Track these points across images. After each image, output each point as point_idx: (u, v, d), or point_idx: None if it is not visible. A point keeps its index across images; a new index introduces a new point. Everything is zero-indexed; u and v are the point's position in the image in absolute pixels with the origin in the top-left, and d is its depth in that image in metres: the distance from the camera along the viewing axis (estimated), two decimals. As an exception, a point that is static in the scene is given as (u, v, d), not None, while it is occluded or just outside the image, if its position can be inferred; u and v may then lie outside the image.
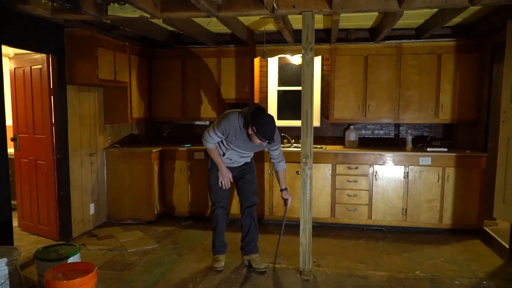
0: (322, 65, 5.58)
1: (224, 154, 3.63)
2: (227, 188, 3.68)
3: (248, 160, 3.81)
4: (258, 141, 3.34)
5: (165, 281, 3.52)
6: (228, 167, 3.69)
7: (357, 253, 4.18)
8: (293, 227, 3.77)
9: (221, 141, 3.59)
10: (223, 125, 3.44)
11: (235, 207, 5.09)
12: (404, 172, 4.76)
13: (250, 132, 3.35)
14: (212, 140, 3.54)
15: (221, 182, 3.65)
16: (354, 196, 4.87)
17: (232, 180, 3.71)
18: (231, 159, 3.68)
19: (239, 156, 3.66)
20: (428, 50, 4.92)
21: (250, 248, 3.80)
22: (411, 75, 4.97)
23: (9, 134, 4.18)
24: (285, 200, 3.87)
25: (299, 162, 3.62)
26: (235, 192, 3.93)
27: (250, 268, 3.76)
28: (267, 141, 3.32)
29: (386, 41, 5.02)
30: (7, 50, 4.30)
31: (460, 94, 4.89)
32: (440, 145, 5.09)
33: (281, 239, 3.91)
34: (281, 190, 3.85)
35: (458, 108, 4.91)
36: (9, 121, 4.25)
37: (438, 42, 4.91)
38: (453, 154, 4.68)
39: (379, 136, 5.53)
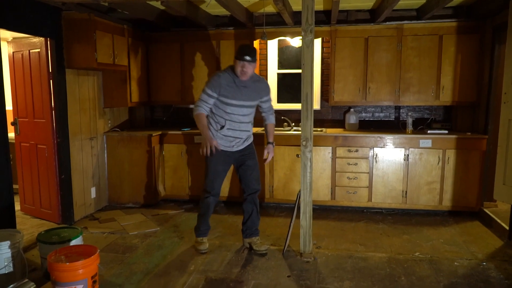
0: (322, 47, 5.53)
1: (223, 126, 3.56)
2: (209, 154, 3.49)
3: (249, 131, 3.71)
4: (239, 68, 3.41)
5: (166, 263, 3.56)
6: (229, 152, 3.65)
7: (357, 235, 4.22)
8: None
9: (218, 108, 3.54)
10: (212, 80, 3.50)
11: (234, 190, 5.12)
12: (404, 155, 4.77)
13: (235, 66, 3.44)
14: (203, 104, 3.52)
15: (204, 149, 3.46)
16: (354, 179, 4.89)
17: (218, 148, 3.54)
18: (233, 129, 3.57)
19: (239, 123, 3.58)
20: (429, 31, 4.87)
21: (251, 231, 3.83)
22: (411, 57, 4.93)
23: (9, 118, 4.17)
24: (267, 153, 3.76)
25: (299, 145, 3.62)
26: (237, 176, 3.89)
27: (251, 250, 3.80)
28: (244, 59, 3.38)
29: (387, 23, 4.97)
30: (5, 34, 4.27)
31: (461, 76, 4.86)
32: (440, 127, 5.09)
33: (292, 223, 3.82)
34: (268, 143, 3.79)
35: (458, 90, 4.89)
36: (9, 106, 4.24)
37: (439, 23, 4.86)
38: (454, 136, 4.68)
39: (379, 119, 5.52)
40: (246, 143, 3.74)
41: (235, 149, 3.68)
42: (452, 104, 4.96)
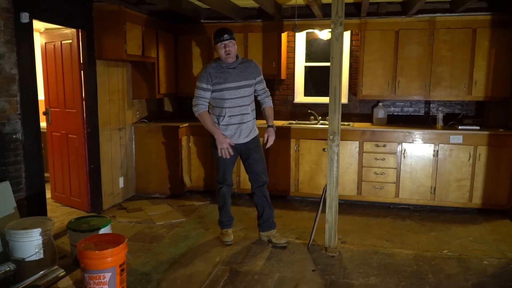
0: (351, 40, 5.44)
1: (224, 116, 3.56)
2: (228, 157, 3.57)
3: (251, 118, 3.68)
4: (223, 50, 3.46)
5: (191, 253, 3.60)
6: (235, 144, 3.63)
7: (383, 231, 4.16)
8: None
9: (215, 99, 3.57)
10: (201, 74, 3.58)
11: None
12: (434, 151, 4.66)
13: (217, 51, 3.52)
14: (200, 101, 3.56)
15: (221, 151, 3.54)
16: (381, 174, 4.81)
17: (233, 144, 3.58)
18: (234, 116, 3.56)
19: (239, 107, 3.57)
20: (462, 24, 4.73)
21: (268, 224, 3.83)
22: (443, 51, 4.80)
23: (41, 108, 4.27)
24: (267, 138, 3.72)
25: (326, 139, 3.58)
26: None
27: (270, 244, 3.80)
28: (224, 39, 3.44)
29: (419, 15, 4.84)
30: (38, 25, 4.36)
31: (495, 70, 4.70)
32: (472, 123, 4.94)
33: (317, 218, 3.79)
34: (268, 126, 3.74)
35: (492, 85, 4.73)
36: (41, 96, 4.34)
37: (473, 16, 4.71)
38: (486, 132, 4.54)
39: (408, 114, 5.41)
40: (252, 136, 3.70)
41: (240, 140, 3.65)
42: (484, 99, 4.82)
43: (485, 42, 4.69)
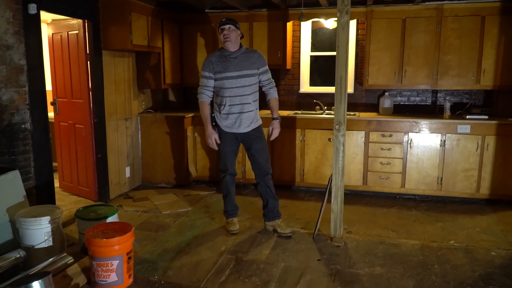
0: (357, 29, 5.40)
1: (225, 105, 3.59)
2: (216, 147, 3.67)
3: (253, 108, 3.66)
4: (221, 36, 3.54)
5: (197, 242, 3.63)
6: (235, 133, 3.66)
7: (389, 221, 4.16)
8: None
9: (217, 88, 3.62)
10: (204, 63, 3.66)
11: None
12: (441, 140, 4.63)
13: (219, 39, 3.60)
14: (204, 89, 3.64)
15: (209, 143, 3.66)
16: (387, 164, 4.80)
17: (218, 141, 3.66)
18: (234, 105, 3.58)
19: (240, 97, 3.58)
20: (470, 11, 4.66)
21: (273, 214, 3.84)
22: (451, 39, 4.74)
23: (49, 98, 4.30)
24: (272, 130, 3.75)
25: (331, 129, 3.57)
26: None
27: (275, 233, 3.82)
28: (222, 23, 3.54)
29: (426, 3, 4.78)
30: (45, 16, 4.37)
31: (504, 59, 4.64)
32: (480, 113, 4.90)
33: (323, 207, 3.80)
34: (273, 119, 3.75)
35: (501, 74, 4.68)
36: (48, 86, 4.38)
37: (481, 3, 4.63)
38: (494, 122, 4.50)
39: (415, 103, 5.37)
40: (253, 125, 3.69)
41: (241, 130, 3.65)
42: (493, 88, 4.76)
43: (494, 29, 4.63)
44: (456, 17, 4.70)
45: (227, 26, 3.53)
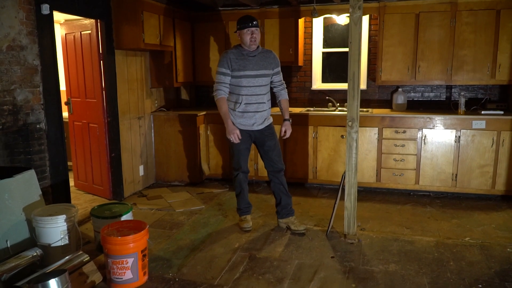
0: (370, 25, 5.35)
1: (241, 103, 3.59)
2: (238, 141, 3.61)
3: (267, 108, 3.70)
4: (249, 36, 3.48)
5: (211, 240, 3.65)
6: (249, 131, 3.66)
7: (403, 218, 4.13)
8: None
9: (232, 86, 3.59)
10: (221, 58, 3.59)
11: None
12: (456, 136, 4.58)
13: (242, 37, 3.53)
14: (221, 86, 3.58)
15: (231, 139, 3.61)
16: (401, 160, 4.76)
17: (240, 137, 3.61)
18: (250, 104, 3.59)
19: (256, 96, 3.59)
20: (485, 5, 4.58)
21: (287, 211, 3.84)
22: (466, 33, 4.67)
23: (63, 98, 4.35)
24: (284, 132, 3.77)
25: (344, 126, 3.56)
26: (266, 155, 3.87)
27: (288, 231, 3.81)
28: (253, 25, 3.47)
29: (440, -3, 4.72)
30: (58, 16, 4.42)
31: (520, 53, 4.56)
32: (495, 108, 4.82)
33: (336, 205, 3.78)
34: (284, 120, 3.78)
35: (517, 69, 4.60)
36: (62, 86, 4.42)
37: (497, -4, 4.56)
38: (510, 117, 4.42)
39: (429, 99, 5.31)
40: (266, 123, 3.72)
41: (255, 128, 3.67)
42: (509, 83, 4.68)
43: (509, 23, 4.54)
44: (471, 11, 4.62)
45: (255, 29, 3.50)
